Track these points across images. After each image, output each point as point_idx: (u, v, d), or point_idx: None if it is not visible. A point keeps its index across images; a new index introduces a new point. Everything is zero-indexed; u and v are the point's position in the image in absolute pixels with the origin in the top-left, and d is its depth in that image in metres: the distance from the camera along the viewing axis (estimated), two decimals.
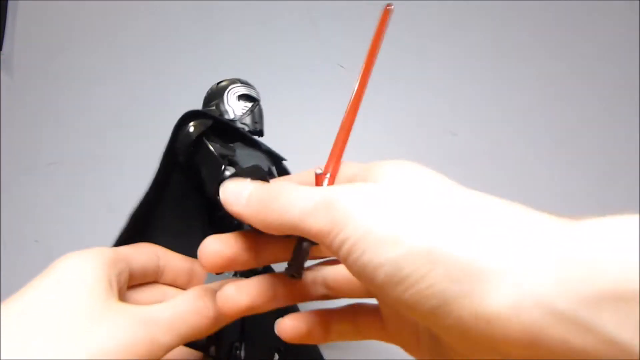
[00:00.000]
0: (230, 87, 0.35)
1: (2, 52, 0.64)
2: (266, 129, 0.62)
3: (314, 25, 0.66)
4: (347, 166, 0.24)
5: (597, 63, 0.66)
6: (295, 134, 0.62)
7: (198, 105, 0.39)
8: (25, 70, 0.64)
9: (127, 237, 0.30)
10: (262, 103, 0.66)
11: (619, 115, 0.64)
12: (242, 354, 0.30)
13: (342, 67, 0.64)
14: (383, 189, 0.19)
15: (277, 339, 0.32)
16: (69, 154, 0.61)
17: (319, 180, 0.23)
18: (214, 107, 0.34)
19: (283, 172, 0.38)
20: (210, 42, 0.65)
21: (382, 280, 0.17)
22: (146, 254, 0.28)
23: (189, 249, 0.31)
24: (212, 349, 0.28)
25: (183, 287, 0.30)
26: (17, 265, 0.58)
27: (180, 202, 0.32)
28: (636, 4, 0.67)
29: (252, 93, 0.36)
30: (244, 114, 0.35)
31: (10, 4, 0.65)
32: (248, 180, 0.22)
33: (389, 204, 0.18)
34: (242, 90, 0.36)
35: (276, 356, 0.32)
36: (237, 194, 0.22)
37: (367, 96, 0.67)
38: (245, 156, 0.31)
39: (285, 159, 0.38)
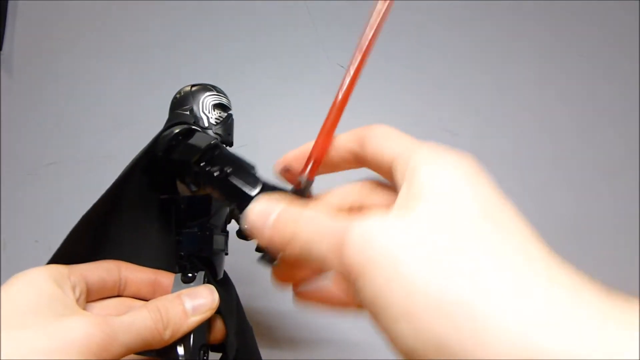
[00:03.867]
0: (206, 94, 0.35)
1: (2, 52, 0.64)
2: (265, 130, 0.62)
3: (314, 25, 0.66)
4: (373, 139, 0.21)
5: (597, 63, 0.66)
6: (294, 135, 0.62)
7: None
8: (25, 70, 0.64)
9: (78, 241, 0.30)
10: (259, 104, 0.67)
11: (619, 114, 0.64)
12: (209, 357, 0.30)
13: (342, 67, 0.64)
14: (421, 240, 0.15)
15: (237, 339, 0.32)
16: (69, 154, 0.61)
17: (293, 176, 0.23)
18: (187, 112, 0.34)
19: None
20: (209, 42, 0.65)
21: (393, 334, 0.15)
22: (103, 269, 0.28)
23: (147, 255, 0.31)
24: (181, 349, 0.28)
25: (148, 299, 0.30)
26: (17, 265, 0.58)
27: (138, 206, 0.32)
28: (636, 4, 0.67)
29: (226, 103, 0.36)
30: (218, 123, 0.35)
31: (10, 4, 0.65)
32: (276, 198, 0.21)
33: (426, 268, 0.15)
34: (218, 99, 0.35)
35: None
36: (265, 215, 0.20)
37: (367, 96, 0.67)
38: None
39: (254, 166, 0.38)
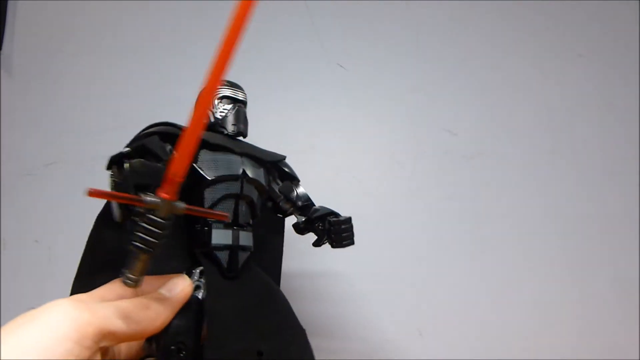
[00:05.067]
0: None
1: (2, 52, 0.64)
2: (266, 129, 0.62)
3: (314, 25, 0.65)
4: None
5: (597, 63, 0.66)
6: (295, 133, 0.62)
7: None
8: (25, 70, 0.64)
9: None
10: (261, 103, 0.66)
11: (618, 115, 0.64)
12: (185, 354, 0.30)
13: (341, 66, 0.64)
14: None
15: (257, 341, 0.31)
16: (69, 154, 0.61)
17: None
18: None
19: (282, 171, 0.38)
20: (209, 41, 0.65)
21: None
22: (118, 286, 0.28)
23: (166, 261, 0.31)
24: (153, 346, 0.29)
25: None
26: (17, 265, 0.58)
27: None
28: (636, 4, 0.67)
29: (235, 94, 0.35)
30: (223, 116, 0.34)
31: (10, 4, 0.65)
32: None
33: None
34: (224, 92, 0.35)
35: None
36: None
37: (367, 95, 0.67)
38: (206, 162, 0.32)
39: (283, 157, 0.37)
